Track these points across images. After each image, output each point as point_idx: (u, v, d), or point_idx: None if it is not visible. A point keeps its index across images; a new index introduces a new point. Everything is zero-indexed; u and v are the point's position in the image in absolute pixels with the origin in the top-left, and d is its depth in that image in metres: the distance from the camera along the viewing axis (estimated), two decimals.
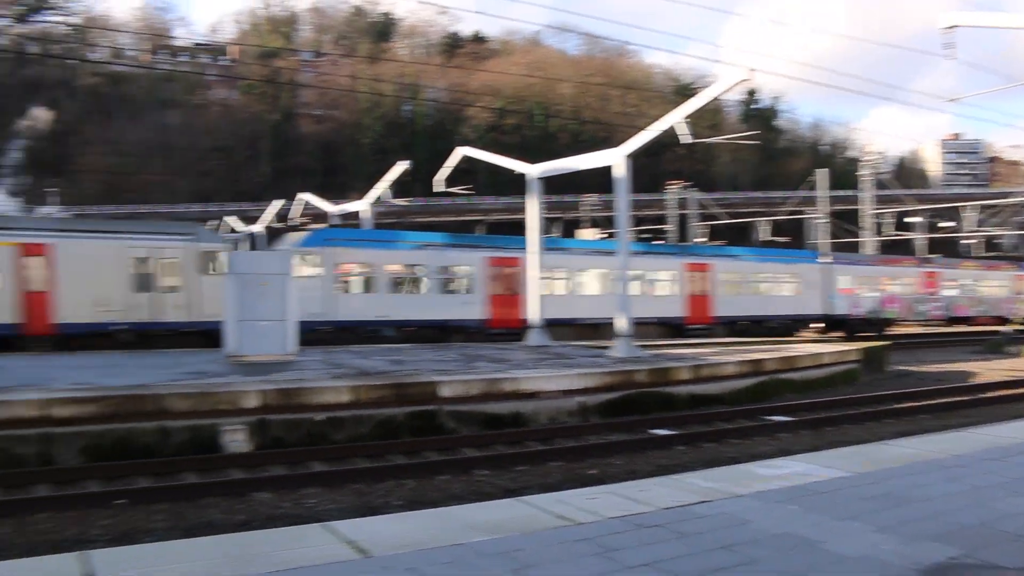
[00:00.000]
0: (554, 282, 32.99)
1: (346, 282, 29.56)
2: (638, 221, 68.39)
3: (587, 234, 57.33)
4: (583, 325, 32.61)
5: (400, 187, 41.57)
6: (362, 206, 40.47)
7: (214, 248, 27.10)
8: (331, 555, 5.45)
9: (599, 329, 31.74)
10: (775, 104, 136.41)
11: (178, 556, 5.50)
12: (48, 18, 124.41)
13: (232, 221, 60.82)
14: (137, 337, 25.77)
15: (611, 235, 49.97)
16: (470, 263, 31.49)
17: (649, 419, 17.27)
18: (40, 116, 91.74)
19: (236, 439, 13.45)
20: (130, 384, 14.69)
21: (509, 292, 31.90)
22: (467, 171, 37.43)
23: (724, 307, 37.43)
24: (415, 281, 31.11)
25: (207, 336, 25.40)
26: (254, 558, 5.36)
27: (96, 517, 10.28)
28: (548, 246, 34.22)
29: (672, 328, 35.76)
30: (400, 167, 38.08)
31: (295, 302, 18.54)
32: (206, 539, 6.15)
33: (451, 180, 34.71)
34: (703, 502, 6.94)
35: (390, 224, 67.82)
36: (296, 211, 52.61)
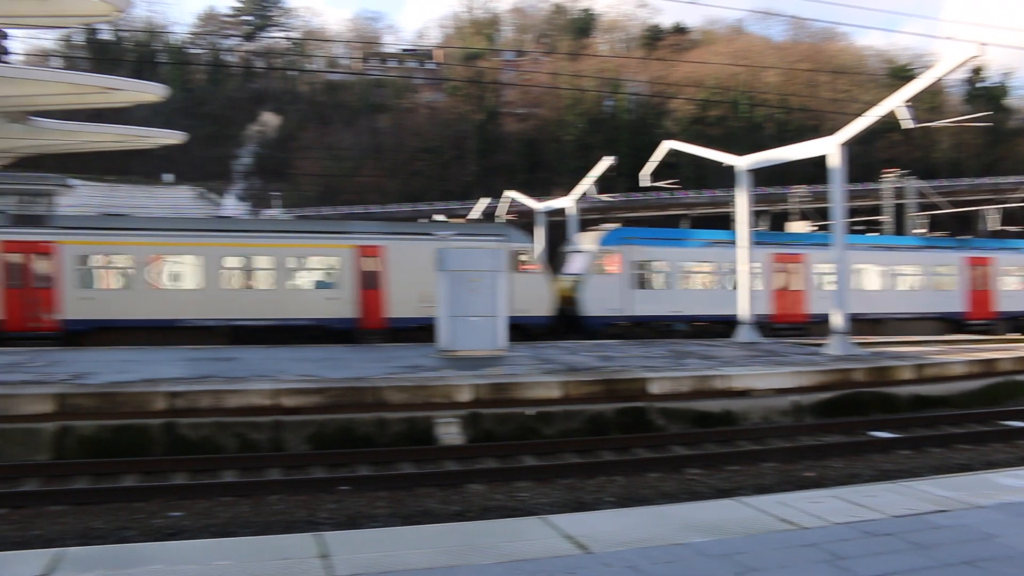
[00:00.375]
0: (825, 277, 32.46)
1: (641, 279, 30.47)
2: (851, 212, 65.33)
3: (797, 227, 55.25)
4: (860, 321, 31.50)
5: (602, 182, 41.51)
6: (567, 202, 40.76)
7: (522, 248, 28.77)
8: (552, 549, 5.49)
9: (878, 324, 31.96)
10: (1005, 81, 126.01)
11: (404, 543, 5.70)
12: (271, 35, 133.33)
13: (440, 220, 62.66)
14: None
15: (823, 227, 48.01)
16: (757, 259, 31.15)
17: (868, 420, 16.41)
18: (269, 121, 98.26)
19: (450, 431, 13.82)
20: (350, 376, 15.42)
21: (792, 288, 32.03)
22: (670, 165, 36.90)
23: (1007, 302, 35.95)
24: (705, 277, 31.64)
25: (519, 330, 26.61)
26: (477, 549, 5.48)
27: (323, 501, 10.84)
28: (817, 240, 33.54)
29: (951, 324, 34.59)
30: (605, 162, 38.04)
31: (505, 297, 18.90)
32: (429, 527, 6.35)
33: (654, 174, 34.37)
34: (939, 511, 6.50)
35: (594, 219, 67.93)
36: (502, 209, 53.63)
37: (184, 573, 5.12)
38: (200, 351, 21.22)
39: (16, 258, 24.94)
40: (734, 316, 29.83)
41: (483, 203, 59.35)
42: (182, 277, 26.81)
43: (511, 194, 50.46)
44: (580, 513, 6.95)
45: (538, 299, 28.15)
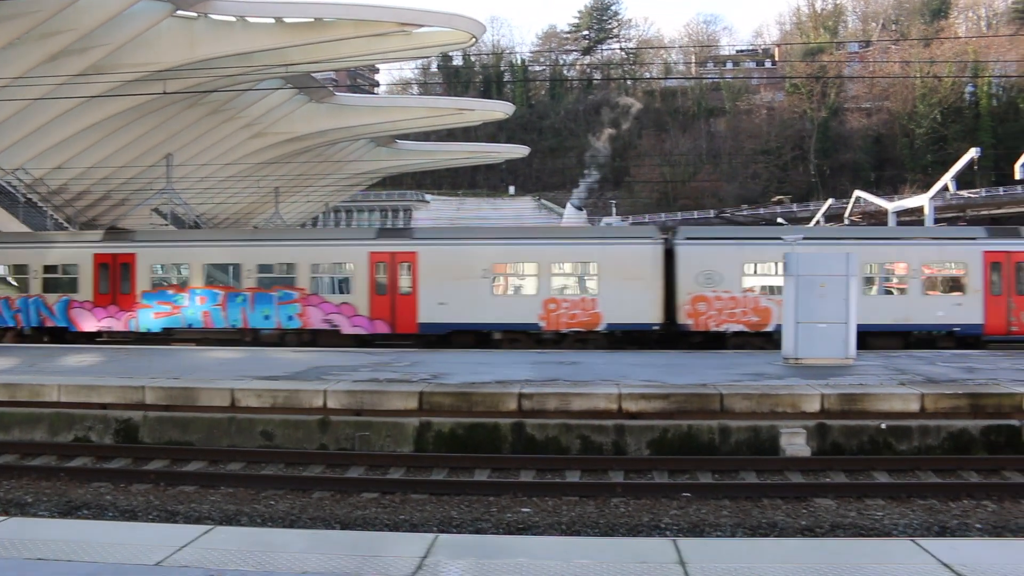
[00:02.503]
0: None
1: None
2: None
3: None
4: None
5: (958, 177, 38.29)
6: (923, 200, 37.97)
7: None
8: None
9: None
10: None
11: (760, 555, 5.55)
12: (609, 47, 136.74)
13: (779, 223, 60.97)
14: None
15: None
16: None
17: None
18: (630, 104, 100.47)
19: (795, 442, 13.29)
20: (694, 383, 15.32)
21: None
22: None
23: None
24: None
25: None
26: (841, 568, 5.20)
27: (665, 507, 10.85)
28: None
29: None
30: (968, 155, 34.96)
31: (856, 303, 17.93)
32: (785, 541, 6.14)
33: None
34: None
35: (950, 218, 62.64)
36: (847, 209, 51.25)
37: (547, 568, 5.33)
38: (544, 354, 22.09)
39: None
40: None
41: (825, 205, 56.97)
42: None
43: (860, 194, 47.95)
44: (955, 539, 6.39)
45: None
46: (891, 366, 18.17)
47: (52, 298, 27.73)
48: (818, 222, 56.90)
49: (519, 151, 76.82)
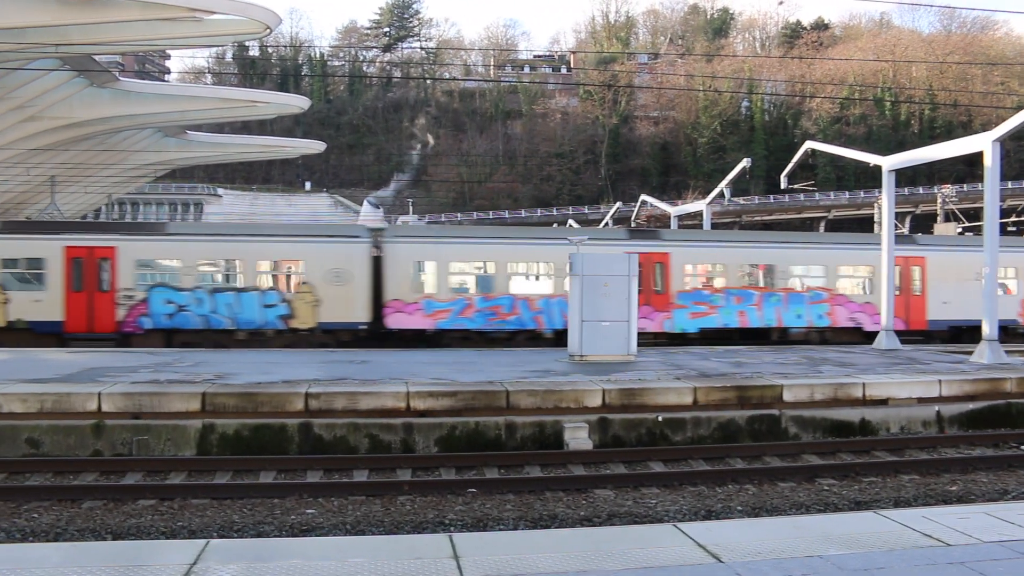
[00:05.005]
0: None
1: None
2: (1004, 213, 61.85)
3: (946, 228, 52.70)
4: None
5: (737, 185, 40.79)
6: (701, 206, 40.14)
7: None
8: (683, 558, 5.40)
9: None
10: None
11: (534, 546, 5.71)
12: (409, 45, 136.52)
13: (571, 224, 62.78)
14: None
15: (967, 230, 45.91)
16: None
17: (1020, 434, 15.46)
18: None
19: (578, 436, 13.76)
20: (481, 380, 15.57)
21: None
22: (806, 166, 36.05)
23: None
24: None
25: None
26: (608, 554, 5.43)
27: (451, 503, 10.94)
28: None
29: None
30: (741, 165, 37.30)
31: (637, 303, 18.77)
32: (558, 532, 6.34)
33: (791, 176, 33.48)
34: None
35: (727, 223, 66.73)
36: (634, 213, 53.46)
37: (320, 568, 5.28)
38: (334, 354, 21.81)
39: None
40: None
41: (614, 208, 59.26)
42: None
43: (646, 198, 50.11)
44: (711, 522, 6.83)
45: None
46: (669, 362, 19.15)
47: None
48: (607, 224, 59.23)
49: (315, 146, 75.28)
